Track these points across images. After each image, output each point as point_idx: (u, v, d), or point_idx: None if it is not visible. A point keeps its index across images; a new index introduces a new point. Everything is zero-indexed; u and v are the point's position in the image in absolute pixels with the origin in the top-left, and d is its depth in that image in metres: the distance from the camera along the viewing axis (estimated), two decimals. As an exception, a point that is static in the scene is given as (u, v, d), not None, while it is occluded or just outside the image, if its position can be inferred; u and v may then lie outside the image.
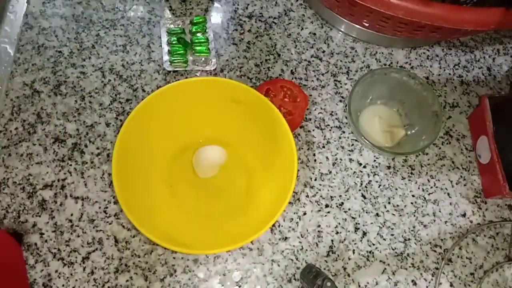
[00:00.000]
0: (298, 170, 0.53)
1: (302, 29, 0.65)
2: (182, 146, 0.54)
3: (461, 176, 0.57)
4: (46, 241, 0.49)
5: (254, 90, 0.50)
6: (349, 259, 0.52)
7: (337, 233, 0.53)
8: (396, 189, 0.56)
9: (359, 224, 0.54)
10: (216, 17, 0.64)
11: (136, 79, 0.59)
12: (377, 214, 0.54)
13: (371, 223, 0.54)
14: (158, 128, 0.51)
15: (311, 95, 0.60)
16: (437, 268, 0.52)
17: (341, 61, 0.63)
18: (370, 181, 0.56)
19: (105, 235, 0.50)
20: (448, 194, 0.56)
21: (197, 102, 0.52)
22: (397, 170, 0.57)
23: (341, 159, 0.57)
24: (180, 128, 0.53)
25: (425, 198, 0.56)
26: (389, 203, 0.55)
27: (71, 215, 0.51)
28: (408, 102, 0.59)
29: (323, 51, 0.63)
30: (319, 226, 0.53)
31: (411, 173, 0.57)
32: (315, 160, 0.56)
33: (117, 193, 0.45)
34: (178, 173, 0.53)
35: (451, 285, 0.52)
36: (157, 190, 0.51)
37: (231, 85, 0.50)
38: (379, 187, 0.56)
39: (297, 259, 0.51)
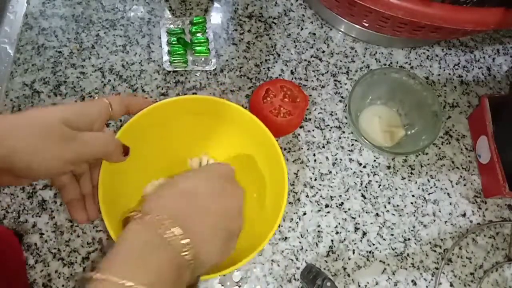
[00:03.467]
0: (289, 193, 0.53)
1: (302, 29, 0.65)
2: (172, 162, 0.52)
3: (461, 176, 0.57)
4: (46, 241, 0.49)
5: (233, 104, 0.48)
6: (349, 259, 0.52)
7: (337, 233, 0.53)
8: (396, 189, 0.56)
9: (359, 224, 0.54)
10: (216, 17, 0.64)
11: (136, 79, 0.59)
12: (377, 214, 0.54)
13: (371, 223, 0.54)
14: (145, 148, 0.49)
15: (311, 95, 0.60)
16: (437, 268, 0.52)
17: (341, 61, 0.63)
18: (370, 181, 0.56)
19: (105, 235, 0.50)
20: (448, 194, 0.56)
21: (177, 121, 0.50)
22: (397, 170, 0.57)
23: (341, 159, 0.57)
24: (166, 147, 0.51)
25: (425, 198, 0.56)
26: (389, 203, 0.55)
27: (71, 215, 0.51)
28: (408, 102, 0.59)
29: (323, 51, 0.63)
30: (319, 226, 0.53)
31: (411, 173, 0.57)
32: (315, 160, 0.56)
33: (104, 217, 0.42)
34: None
35: (451, 285, 0.52)
36: None
37: (212, 101, 0.48)
38: (379, 187, 0.56)
39: (297, 259, 0.51)
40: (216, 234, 0.35)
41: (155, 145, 0.50)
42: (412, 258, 0.53)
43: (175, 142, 0.51)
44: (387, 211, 0.55)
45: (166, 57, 0.60)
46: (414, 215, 0.55)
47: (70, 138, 0.35)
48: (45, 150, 0.34)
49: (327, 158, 0.57)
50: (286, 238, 0.52)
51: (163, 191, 0.36)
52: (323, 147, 0.57)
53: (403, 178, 0.57)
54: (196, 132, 0.51)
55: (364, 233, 0.53)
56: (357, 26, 0.62)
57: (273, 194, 0.48)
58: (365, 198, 0.55)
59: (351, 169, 0.56)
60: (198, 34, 0.62)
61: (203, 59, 0.61)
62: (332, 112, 0.60)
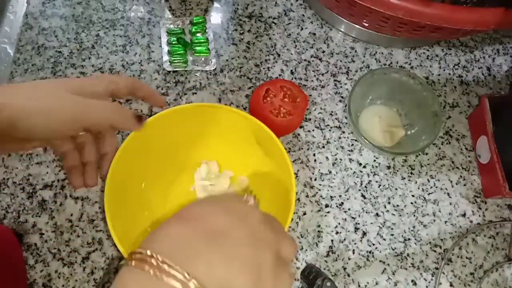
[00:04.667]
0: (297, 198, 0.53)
1: (302, 29, 0.65)
2: (180, 167, 0.53)
3: (461, 176, 0.57)
4: (46, 241, 0.49)
5: (242, 112, 0.48)
6: (349, 259, 0.52)
7: (337, 233, 0.53)
8: (396, 189, 0.56)
9: (359, 224, 0.54)
10: (216, 17, 0.64)
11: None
12: (377, 214, 0.54)
13: (371, 223, 0.54)
14: (156, 150, 0.49)
15: (311, 95, 0.60)
16: (437, 268, 0.52)
17: (341, 61, 0.63)
18: (370, 181, 0.56)
19: (105, 235, 0.50)
20: (448, 194, 0.56)
21: (188, 127, 0.50)
22: (397, 170, 0.57)
23: (341, 159, 0.57)
24: (177, 150, 0.51)
25: (425, 198, 0.56)
26: (389, 203, 0.55)
27: (71, 215, 0.51)
28: (408, 102, 0.59)
29: (323, 51, 0.63)
30: (319, 226, 0.53)
31: (411, 173, 0.57)
32: (315, 160, 0.56)
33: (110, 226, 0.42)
34: (175, 196, 0.52)
35: (451, 285, 0.52)
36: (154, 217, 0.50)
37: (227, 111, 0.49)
38: (379, 187, 0.56)
39: (297, 259, 0.51)
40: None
41: (160, 153, 0.50)
42: (412, 258, 0.53)
43: (181, 150, 0.51)
44: (387, 211, 0.55)
45: (166, 57, 0.60)
46: (414, 215, 0.55)
47: (73, 100, 0.36)
48: (48, 108, 0.35)
49: (327, 158, 0.57)
50: (286, 238, 0.52)
51: (173, 226, 0.29)
52: (323, 147, 0.57)
53: (403, 178, 0.57)
54: (202, 138, 0.52)
55: (364, 233, 0.53)
56: (357, 26, 0.62)
57: (280, 205, 0.48)
58: (365, 198, 0.55)
59: (351, 169, 0.56)
60: (198, 34, 0.62)
61: (203, 59, 0.61)
62: (332, 112, 0.60)
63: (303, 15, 0.66)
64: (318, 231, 0.53)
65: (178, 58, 0.60)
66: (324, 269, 0.51)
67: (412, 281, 0.51)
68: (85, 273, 0.48)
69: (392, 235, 0.53)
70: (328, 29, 0.65)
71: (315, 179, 0.55)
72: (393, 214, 0.55)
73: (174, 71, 0.60)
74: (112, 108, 0.39)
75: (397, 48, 0.65)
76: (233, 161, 0.53)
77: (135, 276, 0.26)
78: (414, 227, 0.54)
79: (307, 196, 0.54)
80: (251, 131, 0.49)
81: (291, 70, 0.62)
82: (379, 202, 0.55)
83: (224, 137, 0.51)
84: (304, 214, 0.53)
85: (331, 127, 0.59)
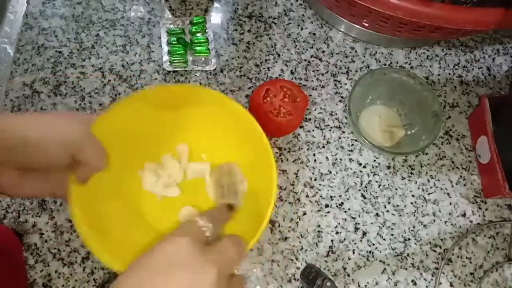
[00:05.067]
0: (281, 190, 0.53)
1: (302, 29, 0.65)
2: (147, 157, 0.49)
3: (461, 176, 0.57)
4: (46, 241, 0.49)
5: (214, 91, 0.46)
6: (349, 259, 0.52)
7: (337, 233, 0.53)
8: (396, 189, 0.56)
9: (359, 224, 0.54)
10: (216, 17, 0.64)
11: (136, 79, 0.59)
12: (377, 214, 0.54)
13: (371, 223, 0.54)
14: (116, 148, 0.44)
15: (311, 95, 0.60)
16: (437, 268, 0.52)
17: (341, 61, 0.63)
18: (370, 181, 0.56)
19: (105, 235, 0.50)
20: (448, 194, 0.56)
21: (157, 114, 0.47)
22: (397, 170, 0.57)
23: (341, 159, 0.57)
24: (140, 144, 0.48)
25: (425, 198, 0.56)
26: (389, 203, 0.55)
27: (71, 215, 0.51)
28: (408, 102, 0.59)
29: (323, 51, 0.63)
30: (319, 226, 0.53)
31: (411, 173, 0.57)
32: (315, 160, 0.56)
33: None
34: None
35: (451, 285, 0.52)
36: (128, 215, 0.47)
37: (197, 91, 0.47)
38: (379, 187, 0.56)
39: (297, 259, 0.51)
40: None
41: (127, 143, 0.46)
42: (412, 258, 0.53)
43: (149, 138, 0.48)
44: (387, 211, 0.55)
45: (166, 57, 0.60)
46: (414, 215, 0.55)
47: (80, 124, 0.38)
48: (55, 123, 0.36)
49: (327, 158, 0.57)
50: (286, 238, 0.52)
51: None
52: (323, 147, 0.57)
53: (403, 178, 0.57)
54: (172, 125, 0.49)
55: (364, 233, 0.53)
56: (357, 26, 0.62)
57: (261, 188, 0.45)
58: (365, 198, 0.55)
59: (351, 169, 0.56)
60: (198, 34, 0.62)
61: (203, 59, 0.61)
62: (332, 112, 0.60)
63: (303, 15, 0.66)
64: (318, 231, 0.53)
65: (178, 58, 0.60)
66: (324, 269, 0.51)
67: (412, 281, 0.51)
68: (85, 273, 0.48)
69: (392, 235, 0.53)
70: (328, 29, 0.65)
71: (315, 179, 0.55)
72: (393, 214, 0.55)
73: (174, 71, 0.60)
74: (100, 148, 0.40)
75: (397, 48, 0.65)
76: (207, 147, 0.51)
77: None
78: (414, 227, 0.54)
79: (307, 196, 0.54)
80: (213, 105, 0.47)
81: (291, 70, 0.62)
82: (379, 202, 0.55)
83: (194, 121, 0.49)
84: (304, 214, 0.53)
85: (331, 127, 0.59)
